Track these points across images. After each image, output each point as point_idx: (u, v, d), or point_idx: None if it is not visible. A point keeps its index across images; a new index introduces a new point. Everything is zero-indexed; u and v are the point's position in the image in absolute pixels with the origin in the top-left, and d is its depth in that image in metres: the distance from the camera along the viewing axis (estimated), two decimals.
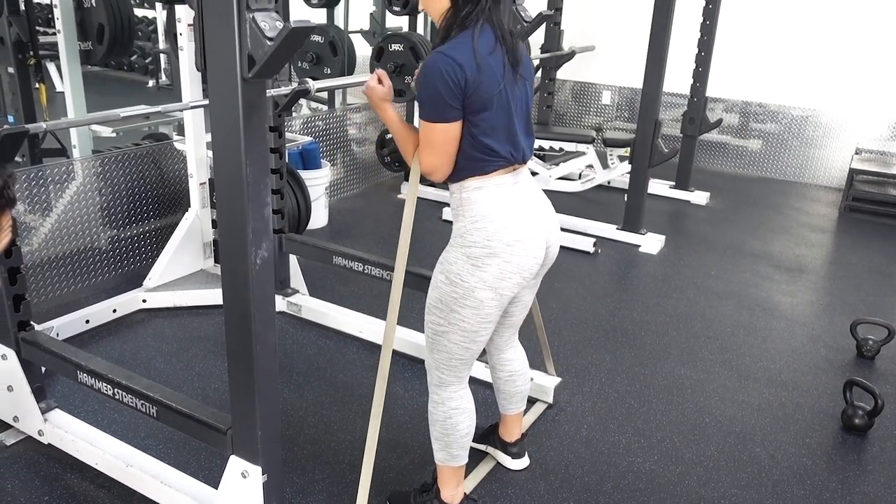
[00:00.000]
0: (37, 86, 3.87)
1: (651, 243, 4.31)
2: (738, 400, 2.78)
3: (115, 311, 3.12)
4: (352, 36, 5.22)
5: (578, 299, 3.59)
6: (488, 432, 2.41)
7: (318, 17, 5.16)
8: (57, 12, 3.42)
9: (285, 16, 5.26)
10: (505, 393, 2.30)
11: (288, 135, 4.12)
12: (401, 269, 1.97)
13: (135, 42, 4.70)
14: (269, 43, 1.39)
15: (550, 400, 2.68)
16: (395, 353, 2.93)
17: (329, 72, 4.76)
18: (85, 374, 2.09)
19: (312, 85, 2.89)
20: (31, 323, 2.27)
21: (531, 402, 2.64)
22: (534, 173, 5.31)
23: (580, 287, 3.73)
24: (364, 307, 3.24)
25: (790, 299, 3.72)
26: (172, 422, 1.94)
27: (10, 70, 3.78)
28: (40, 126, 2.06)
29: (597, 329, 3.30)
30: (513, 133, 1.82)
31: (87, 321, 3.01)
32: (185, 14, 2.98)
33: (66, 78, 3.55)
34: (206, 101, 2.74)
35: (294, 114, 5.64)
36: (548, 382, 2.69)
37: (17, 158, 3.98)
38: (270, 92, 2.82)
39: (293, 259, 3.28)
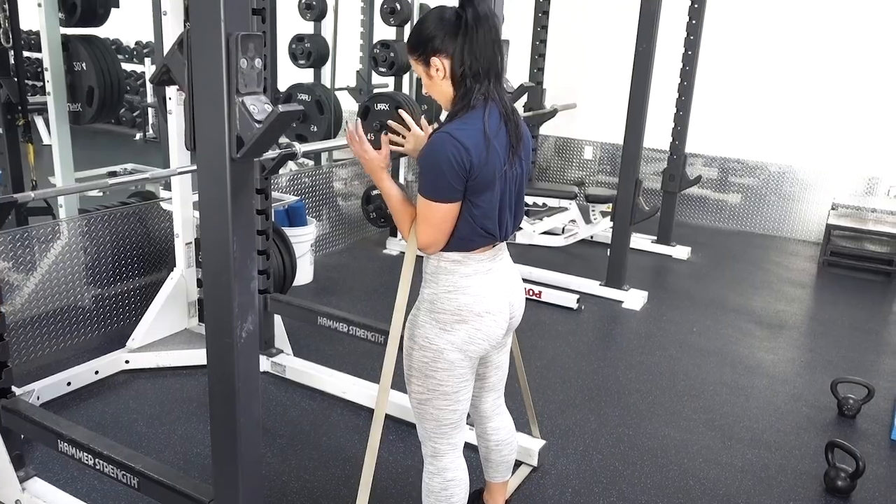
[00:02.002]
0: (24, 143, 3.91)
1: (634, 299, 4.35)
2: (721, 462, 2.79)
3: (97, 372, 3.09)
4: (338, 93, 5.33)
5: (563, 357, 3.61)
6: (472, 498, 2.39)
7: (306, 76, 5.27)
8: (47, 75, 3.47)
9: (273, 76, 5.38)
10: (491, 462, 2.29)
11: (274, 194, 4.16)
12: (392, 354, 2.02)
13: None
14: (257, 125, 1.43)
15: (535, 463, 2.67)
16: (370, 412, 2.93)
17: (315, 129, 4.84)
18: (66, 444, 2.07)
19: (299, 148, 2.95)
20: (13, 389, 2.25)
21: (516, 465, 2.63)
22: (518, 228, 5.38)
23: (564, 344, 3.75)
24: (348, 367, 3.24)
25: (772, 356, 3.75)
26: (154, 493, 1.93)
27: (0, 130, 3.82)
28: (28, 195, 2.09)
29: (581, 388, 3.31)
30: (503, 215, 1.85)
31: (69, 383, 2.98)
32: None
33: (54, 138, 3.58)
34: (195, 167, 2.79)
35: (281, 170, 5.71)
36: (533, 445, 2.69)
37: None
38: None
39: (278, 319, 3.28)
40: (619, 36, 5.81)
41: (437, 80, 1.79)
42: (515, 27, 5.91)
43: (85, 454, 2.03)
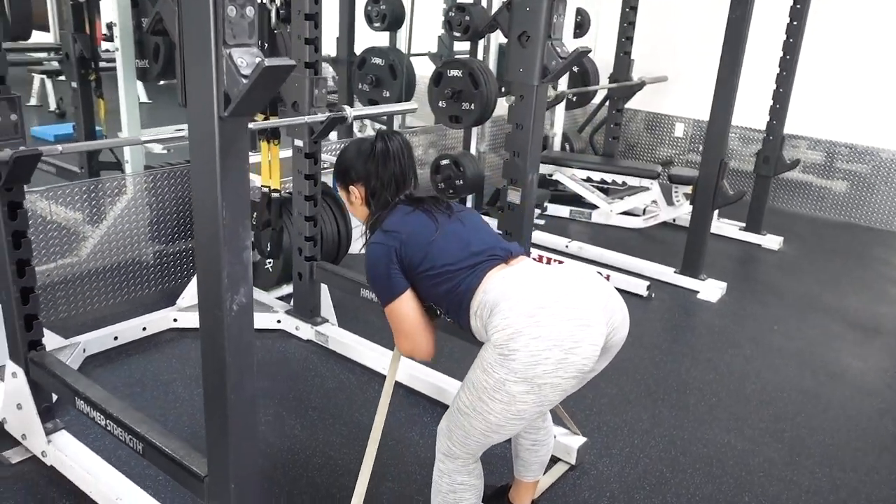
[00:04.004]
0: (96, 98, 3.98)
1: (710, 290, 4.03)
2: (785, 478, 2.52)
3: (144, 328, 3.11)
4: (417, 59, 5.18)
5: (623, 347, 3.33)
6: (498, 493, 2.24)
7: (382, 39, 5.14)
8: (116, 31, 3.48)
9: (350, 40, 5.29)
10: (524, 460, 2.13)
11: (333, 159, 4.08)
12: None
13: None
14: (243, 81, 1.30)
15: (573, 461, 2.49)
16: (417, 394, 2.83)
17: (388, 94, 4.71)
18: (82, 402, 2.05)
19: (349, 112, 2.83)
20: (42, 342, 2.26)
21: (552, 461, 2.46)
22: (594, 207, 5.12)
23: (628, 334, 3.50)
24: (392, 342, 3.12)
25: (861, 364, 3.38)
26: (156, 461, 1.88)
27: (74, 84, 3.89)
28: (55, 148, 2.05)
29: (637, 383, 3.08)
30: (473, 247, 1.83)
31: (116, 338, 3.01)
32: None
33: (121, 94, 3.61)
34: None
35: (359, 133, 5.64)
36: (572, 442, 2.50)
37: (76, 170, 4.10)
38: (305, 119, 2.77)
39: (324, 288, 3.20)
40: (718, 2, 5.37)
41: (357, 204, 2.01)
42: None
43: (98, 414, 2.00)
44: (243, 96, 1.31)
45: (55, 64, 7.25)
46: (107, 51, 4.38)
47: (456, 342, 2.27)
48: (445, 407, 2.71)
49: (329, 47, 5.41)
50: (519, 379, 1.61)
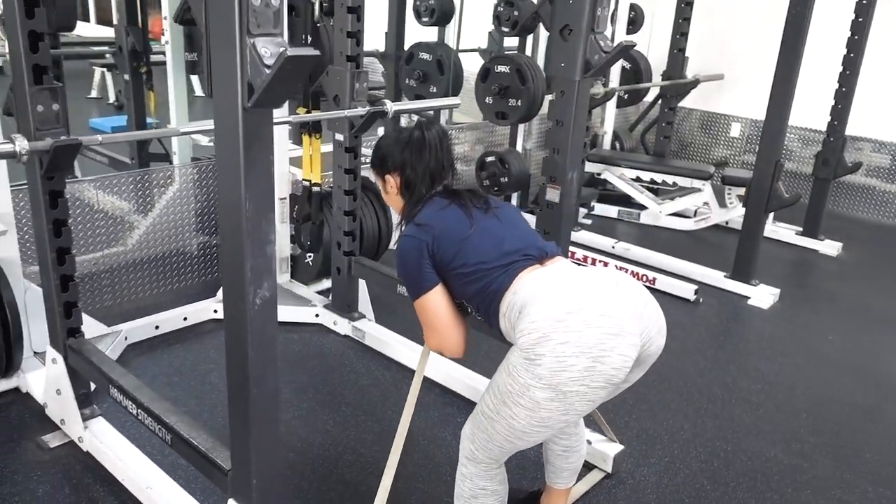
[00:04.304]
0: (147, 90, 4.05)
1: (762, 296, 3.88)
2: (834, 496, 2.39)
3: (185, 318, 3.15)
4: (467, 55, 5.13)
5: (666, 353, 3.20)
6: (529, 499, 2.19)
7: (431, 35, 5.11)
8: (166, 24, 3.53)
9: (400, 34, 5.27)
10: (555, 466, 2.07)
11: None
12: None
13: None
14: (266, 71, 1.28)
15: (609, 469, 2.41)
16: (452, 394, 2.79)
17: (434, 90, 4.67)
18: (115, 390, 2.07)
19: (390, 107, 2.80)
20: (81, 329, 2.30)
21: (588, 468, 2.39)
22: (643, 207, 4.99)
23: (671, 339, 3.34)
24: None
25: None
26: (183, 452, 1.88)
27: (126, 77, 3.97)
28: (95, 139, 2.07)
29: (680, 390, 2.97)
30: (509, 245, 1.78)
31: (157, 327, 3.05)
32: None
33: (170, 86, 3.66)
34: (284, 118, 2.71)
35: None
36: (608, 449, 2.42)
37: (126, 160, 4.18)
38: (345, 113, 2.75)
39: (362, 283, 3.19)
40: None
41: (392, 194, 1.98)
42: None
43: (130, 403, 2.02)
44: (266, 87, 1.28)
45: None
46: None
47: (493, 342, 2.21)
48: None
49: (377, 42, 5.42)
50: (544, 385, 1.55)
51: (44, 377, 2.41)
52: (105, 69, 7.71)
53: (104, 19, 10.38)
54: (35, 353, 2.61)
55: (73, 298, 2.24)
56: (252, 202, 1.41)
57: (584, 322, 1.56)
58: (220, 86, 1.35)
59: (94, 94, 8.11)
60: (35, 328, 2.56)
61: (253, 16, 1.27)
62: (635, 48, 4.81)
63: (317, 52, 1.28)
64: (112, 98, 7.65)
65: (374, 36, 5.26)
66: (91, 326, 2.83)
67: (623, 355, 1.57)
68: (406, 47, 4.98)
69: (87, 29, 10.87)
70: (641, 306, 1.68)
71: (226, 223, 1.46)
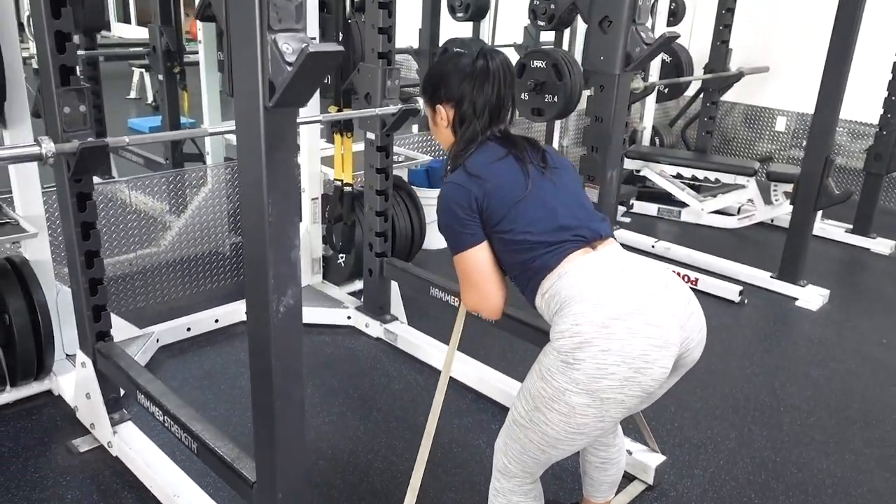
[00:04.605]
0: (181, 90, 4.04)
1: (811, 297, 3.72)
2: None
3: (217, 320, 3.12)
4: (502, 50, 5.04)
5: (711, 357, 3.13)
6: None
7: (465, 30, 5.03)
8: (198, 23, 3.51)
9: (435, 30, 5.19)
10: (593, 479, 1.98)
11: (410, 152, 4.00)
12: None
13: None
14: (288, 68, 1.21)
15: (651, 481, 2.30)
16: (487, 399, 2.71)
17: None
18: (142, 396, 2.04)
19: (422, 103, 2.72)
20: (111, 333, 2.27)
21: (628, 479, 2.29)
22: (684, 205, 4.84)
23: (716, 342, 3.27)
24: (463, 344, 2.99)
25: None
26: (209, 461, 1.83)
27: (160, 77, 3.97)
28: (122, 140, 2.04)
29: (726, 397, 2.85)
30: (561, 219, 1.64)
31: (189, 329, 3.03)
32: None
33: (203, 86, 3.64)
34: (315, 117, 2.66)
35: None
36: (650, 460, 2.32)
37: (161, 161, 4.18)
38: (377, 111, 2.69)
39: (394, 285, 3.12)
40: None
41: (441, 126, 1.79)
42: None
43: (157, 409, 1.98)
44: (288, 85, 1.22)
45: None
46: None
47: (529, 346, 2.14)
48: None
49: (412, 39, 5.36)
50: (581, 390, 1.47)
51: (74, 380, 2.40)
52: (143, 70, 7.79)
53: (145, 20, 10.51)
54: (67, 355, 2.60)
55: (103, 302, 2.21)
56: (275, 207, 1.34)
57: (630, 331, 1.47)
58: (241, 84, 1.29)
59: (133, 94, 8.21)
60: (67, 331, 2.55)
61: (274, 10, 1.21)
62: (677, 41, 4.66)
63: (340, 48, 1.21)
64: (150, 98, 7.72)
65: (408, 32, 5.21)
66: (123, 329, 2.82)
67: (663, 367, 1.49)
68: (440, 44, 4.91)
69: (127, 30, 11.03)
70: (687, 315, 1.58)
71: (248, 229, 1.40)
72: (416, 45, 5.31)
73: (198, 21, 3.58)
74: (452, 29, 4.97)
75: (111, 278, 3.25)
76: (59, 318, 2.51)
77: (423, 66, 5.23)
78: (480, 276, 1.68)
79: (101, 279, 2.19)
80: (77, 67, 2.00)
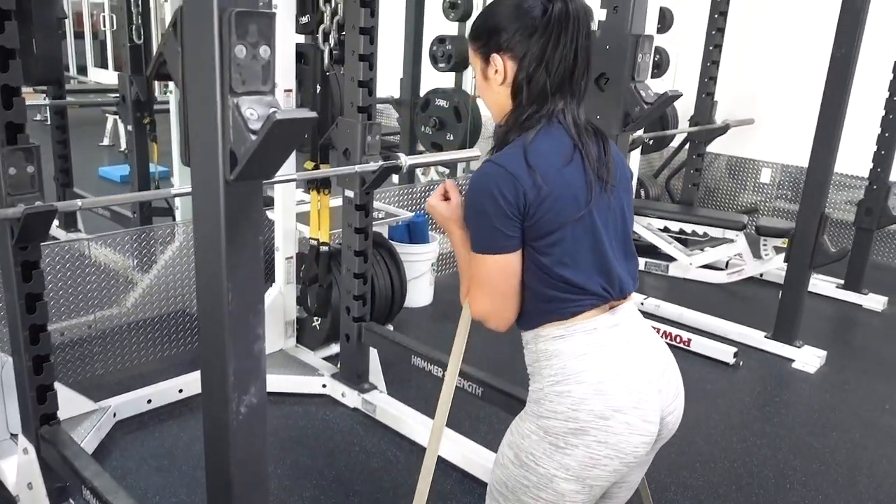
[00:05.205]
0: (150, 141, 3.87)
1: (808, 358, 3.57)
2: None
3: (180, 391, 2.89)
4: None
5: (708, 427, 2.96)
6: None
7: (447, 81, 4.93)
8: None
9: (416, 80, 5.09)
10: None
11: (391, 208, 3.84)
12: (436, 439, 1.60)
13: None
14: (252, 137, 1.04)
15: None
16: (462, 473, 2.50)
17: (451, 138, 4.48)
18: (88, 492, 1.81)
19: (404, 161, 2.57)
20: (57, 415, 2.05)
21: None
22: (671, 259, 4.71)
23: (712, 410, 3.09)
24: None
25: None
26: None
27: (129, 128, 3.80)
28: (74, 204, 1.85)
29: (727, 472, 2.66)
30: (605, 261, 1.35)
31: (149, 401, 2.79)
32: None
33: (174, 138, 3.47)
34: (289, 176, 2.49)
35: (425, 178, 5.40)
36: None
37: (128, 214, 3.98)
38: (356, 168, 2.53)
39: (373, 352, 2.92)
40: (811, 40, 4.95)
41: (494, 84, 1.38)
42: (685, 27, 5.24)
43: None
44: (252, 156, 1.05)
45: None
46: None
47: (504, 418, 1.94)
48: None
49: (392, 88, 5.25)
50: (571, 477, 1.31)
51: (17, 465, 2.15)
52: (117, 117, 7.62)
53: (121, 66, 10.38)
54: (11, 434, 2.35)
55: (49, 381, 1.99)
56: (235, 293, 1.16)
57: (628, 427, 1.32)
58: (199, 154, 1.12)
59: (106, 141, 8.03)
60: (13, 406, 2.30)
61: (237, 70, 1.04)
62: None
63: (313, 115, 1.04)
64: (123, 146, 7.53)
65: (389, 81, 5.10)
66: (76, 402, 2.57)
67: (639, 457, 1.37)
68: (422, 93, 4.82)
69: (104, 76, 10.88)
70: (672, 398, 1.42)
71: (204, 317, 1.21)
72: (397, 95, 5.21)
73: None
74: (434, 79, 4.87)
75: (67, 343, 3.02)
76: (4, 393, 2.28)
77: (404, 117, 5.12)
78: (505, 288, 1.34)
79: (47, 356, 1.97)
80: (24, 125, 1.81)
